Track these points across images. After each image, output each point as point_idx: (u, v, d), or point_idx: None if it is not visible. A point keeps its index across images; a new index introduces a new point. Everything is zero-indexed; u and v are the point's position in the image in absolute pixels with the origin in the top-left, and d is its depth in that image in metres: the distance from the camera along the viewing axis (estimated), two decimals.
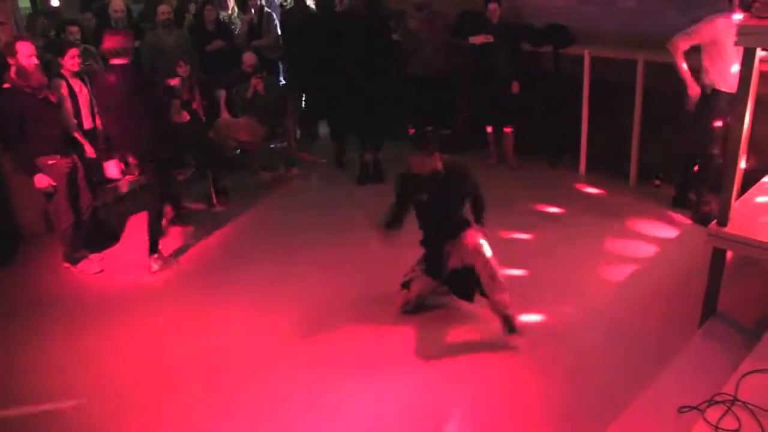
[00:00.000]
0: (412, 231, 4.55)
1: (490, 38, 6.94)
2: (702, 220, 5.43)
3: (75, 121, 5.79)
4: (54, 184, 5.31)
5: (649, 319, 4.36)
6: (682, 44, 5.25)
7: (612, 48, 6.54)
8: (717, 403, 2.81)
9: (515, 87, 7.00)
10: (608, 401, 3.53)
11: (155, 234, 5.66)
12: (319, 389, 3.94)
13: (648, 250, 5.34)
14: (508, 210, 6.25)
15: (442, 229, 4.45)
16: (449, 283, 4.55)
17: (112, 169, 6.35)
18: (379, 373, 4.06)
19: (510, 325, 4.17)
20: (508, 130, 7.32)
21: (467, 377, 3.97)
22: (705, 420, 2.74)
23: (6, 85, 5.12)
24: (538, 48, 7.11)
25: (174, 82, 6.45)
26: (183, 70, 7.01)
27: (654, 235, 5.56)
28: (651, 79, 6.25)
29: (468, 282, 4.35)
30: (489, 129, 7.47)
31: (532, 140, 7.40)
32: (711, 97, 5.26)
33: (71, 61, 5.72)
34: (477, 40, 7.01)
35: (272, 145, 7.65)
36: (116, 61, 5.34)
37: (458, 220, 4.46)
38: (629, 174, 6.67)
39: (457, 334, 4.39)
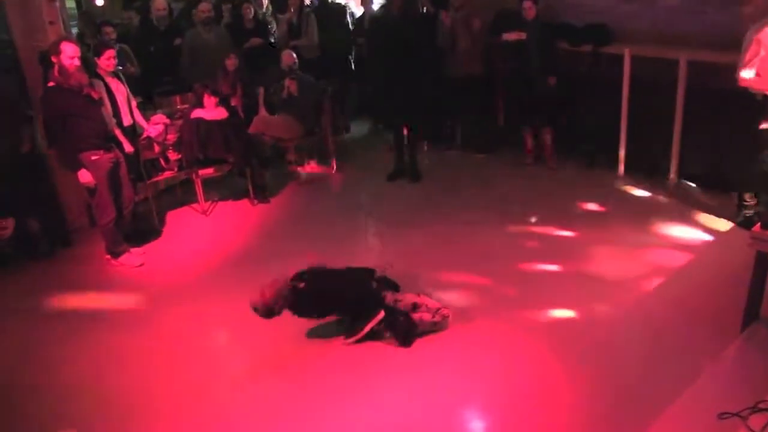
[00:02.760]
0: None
1: (523, 35, 6.91)
2: (745, 223, 5.32)
3: (114, 120, 5.91)
4: (95, 181, 5.44)
5: (688, 323, 4.28)
6: (750, 77, 4.93)
7: (653, 46, 6.43)
8: (761, 410, 2.75)
9: (552, 80, 6.91)
10: (643, 405, 3.50)
11: None
12: (352, 386, 3.97)
13: (687, 252, 5.24)
14: (544, 210, 6.24)
15: None
16: None
17: (153, 128, 6.48)
18: (406, 372, 4.07)
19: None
20: (545, 130, 7.26)
21: (497, 377, 3.95)
22: (748, 427, 2.69)
23: (51, 84, 5.25)
24: (577, 47, 7.03)
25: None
26: (232, 63, 7.10)
27: (694, 238, 5.47)
28: (693, 78, 6.13)
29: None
30: (526, 129, 7.41)
31: (570, 140, 7.32)
32: (765, 101, 5.07)
33: (107, 61, 5.84)
34: (510, 36, 7.00)
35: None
36: None
37: None
38: (669, 175, 6.57)
39: (484, 334, 4.37)
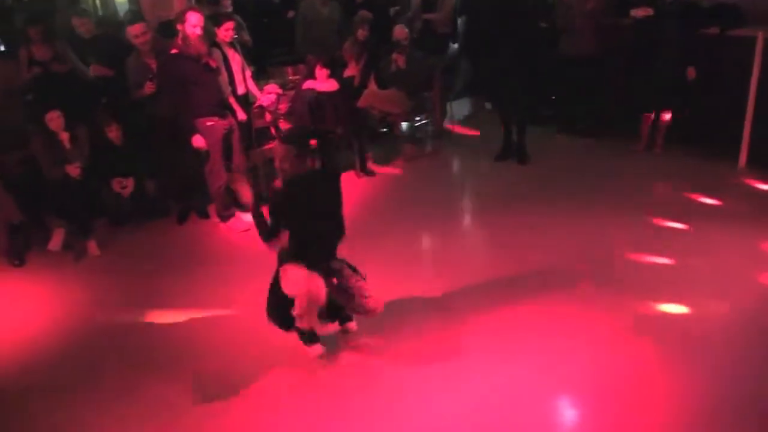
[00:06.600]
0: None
1: (649, 11, 6.55)
2: None
3: (229, 88, 6.10)
4: (208, 146, 5.66)
5: None
6: None
7: None
8: None
9: (691, 73, 6.52)
10: (750, 411, 3.33)
11: None
12: (432, 381, 3.93)
13: None
14: (654, 200, 6.02)
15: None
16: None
17: (265, 98, 6.62)
18: (505, 359, 3.99)
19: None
20: (666, 115, 6.90)
21: (592, 371, 3.81)
22: None
23: (174, 51, 5.49)
24: (704, 29, 6.61)
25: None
26: (362, 33, 7.17)
27: None
28: None
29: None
30: (647, 114, 7.06)
31: (690, 128, 6.92)
32: None
33: (226, 32, 6.03)
34: (638, 13, 6.65)
35: (417, 123, 7.71)
36: None
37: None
38: None
39: (581, 326, 4.22)
